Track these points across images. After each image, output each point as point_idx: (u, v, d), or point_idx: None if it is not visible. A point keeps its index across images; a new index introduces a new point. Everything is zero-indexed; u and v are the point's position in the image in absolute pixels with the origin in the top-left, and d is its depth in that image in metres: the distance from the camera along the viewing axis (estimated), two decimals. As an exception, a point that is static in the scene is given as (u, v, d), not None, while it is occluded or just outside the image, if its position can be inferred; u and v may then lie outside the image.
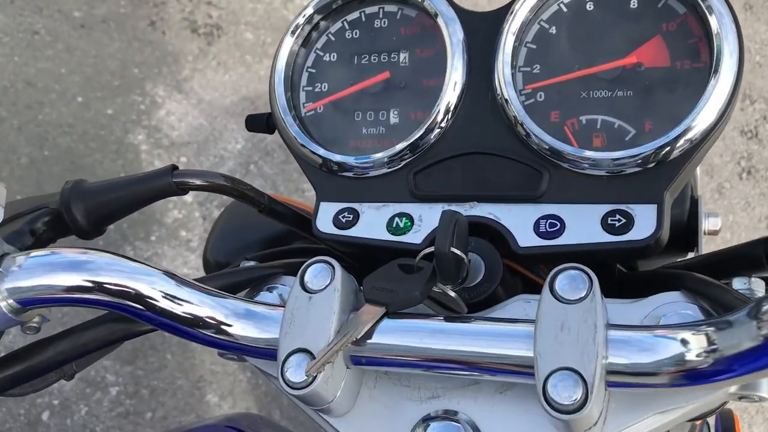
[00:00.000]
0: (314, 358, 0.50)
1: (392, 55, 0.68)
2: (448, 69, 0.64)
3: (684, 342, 0.43)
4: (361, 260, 0.70)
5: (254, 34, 2.88)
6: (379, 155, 0.64)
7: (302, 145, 0.67)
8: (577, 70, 0.61)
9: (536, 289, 0.66)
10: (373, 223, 0.63)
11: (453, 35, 0.64)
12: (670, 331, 0.44)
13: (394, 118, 0.67)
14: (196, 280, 0.55)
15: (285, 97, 0.69)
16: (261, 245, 0.89)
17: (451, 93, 0.63)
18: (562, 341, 0.45)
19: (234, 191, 0.63)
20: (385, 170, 0.65)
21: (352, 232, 0.63)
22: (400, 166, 0.64)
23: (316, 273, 0.53)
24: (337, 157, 0.65)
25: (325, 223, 0.64)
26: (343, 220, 0.64)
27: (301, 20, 0.70)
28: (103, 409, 2.07)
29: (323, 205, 0.65)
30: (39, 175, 2.43)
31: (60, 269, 0.51)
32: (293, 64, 0.70)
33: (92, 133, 2.54)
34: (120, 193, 0.59)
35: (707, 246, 0.73)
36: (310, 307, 0.51)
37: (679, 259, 0.77)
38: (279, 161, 2.57)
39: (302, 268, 0.53)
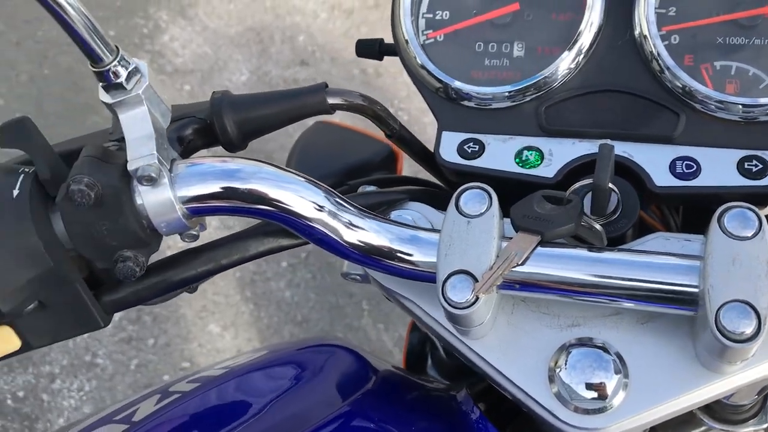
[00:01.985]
0: (476, 280, 0.51)
1: (519, -13, 0.67)
2: (587, 8, 0.64)
3: None
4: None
5: (261, -38, 2.80)
6: (503, 88, 0.64)
7: (422, 66, 0.66)
8: (715, 15, 0.61)
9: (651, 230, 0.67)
10: (500, 154, 0.63)
11: (593, -29, 0.64)
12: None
13: (518, 51, 0.67)
14: (344, 197, 0.55)
15: (410, 20, 0.68)
16: (342, 175, 0.89)
17: (587, 33, 0.63)
18: (734, 275, 0.47)
19: (372, 113, 0.63)
20: (508, 103, 0.65)
21: (479, 162, 0.63)
22: (525, 100, 0.64)
23: (472, 198, 0.53)
24: (456, 83, 0.65)
25: (449, 152, 0.65)
26: (469, 150, 0.64)
27: None
28: (105, 333, 2.06)
29: (446, 135, 0.65)
30: (39, 93, 2.36)
31: (230, 178, 0.50)
32: (414, -12, 0.69)
33: (94, 53, 2.47)
34: (272, 107, 0.58)
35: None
36: (468, 230, 0.52)
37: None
38: (283, 96, 2.54)
39: (457, 193, 0.54)
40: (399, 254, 0.54)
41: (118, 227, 0.49)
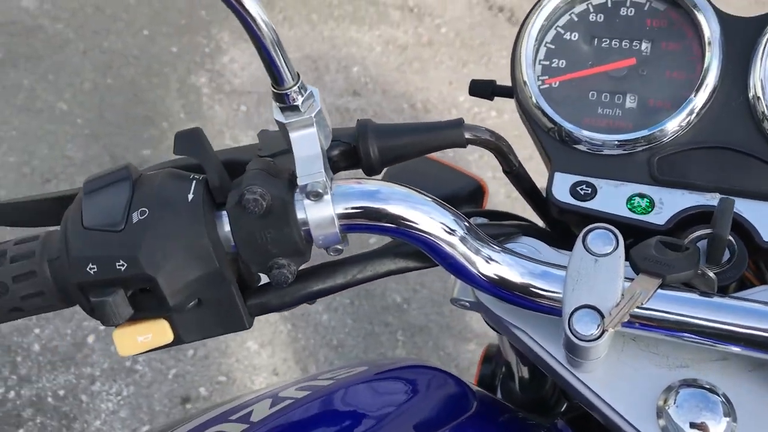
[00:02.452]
0: (601, 315, 0.54)
1: (634, 43, 0.71)
2: (704, 70, 0.67)
3: None
4: (564, 231, 0.74)
5: (322, -7, 2.88)
6: (615, 137, 0.68)
7: (537, 107, 0.70)
8: None
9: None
10: (611, 198, 0.67)
11: (713, 36, 0.68)
12: None
13: (630, 103, 0.70)
14: (479, 229, 0.59)
15: (529, 66, 0.72)
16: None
17: (702, 94, 0.67)
18: None
19: (497, 148, 0.67)
20: (619, 151, 0.69)
21: (592, 204, 0.67)
22: (636, 150, 0.68)
23: (599, 238, 0.57)
24: (569, 126, 0.69)
25: (561, 192, 0.68)
26: (581, 192, 0.67)
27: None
28: (146, 341, 2.10)
29: (558, 176, 0.69)
30: (101, 102, 2.43)
31: (383, 200, 0.54)
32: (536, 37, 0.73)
33: (156, 68, 2.55)
34: (412, 137, 0.63)
35: None
36: (596, 268, 0.56)
37: None
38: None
39: (584, 232, 0.57)
40: (529, 287, 0.57)
41: (281, 236, 0.52)
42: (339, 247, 0.56)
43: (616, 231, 0.57)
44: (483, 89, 0.77)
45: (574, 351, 0.56)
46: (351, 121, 2.61)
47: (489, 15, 2.97)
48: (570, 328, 0.54)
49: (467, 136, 0.64)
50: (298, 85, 0.53)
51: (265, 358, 2.15)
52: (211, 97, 2.53)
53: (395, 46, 2.80)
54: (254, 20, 0.49)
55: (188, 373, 2.09)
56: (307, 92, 0.53)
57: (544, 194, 0.73)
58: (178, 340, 0.56)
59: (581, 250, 0.57)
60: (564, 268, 0.57)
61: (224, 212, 0.54)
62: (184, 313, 0.54)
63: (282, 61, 0.51)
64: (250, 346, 2.16)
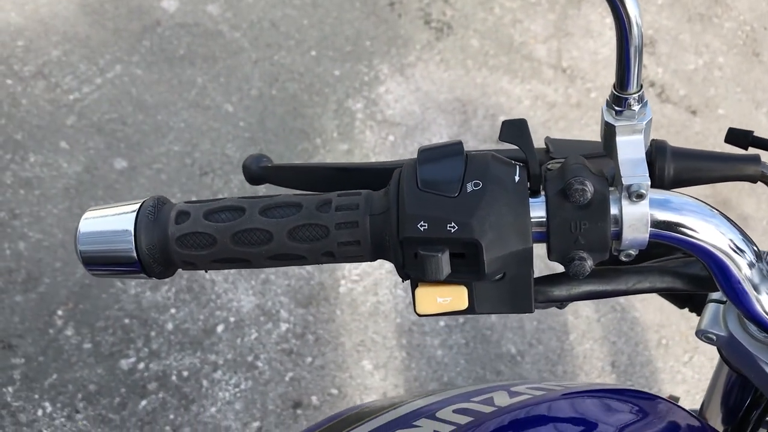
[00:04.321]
0: None
1: None
2: None
3: None
4: None
5: (480, 42, 2.97)
6: None
7: None
8: None
9: None
10: None
11: None
12: None
13: None
14: None
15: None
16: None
17: None
18: None
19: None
20: None
21: None
22: None
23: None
24: None
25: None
26: None
27: None
28: (270, 340, 2.17)
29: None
30: (264, 110, 2.57)
31: (698, 215, 0.57)
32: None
33: (317, 87, 2.68)
34: (709, 164, 0.66)
35: None
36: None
37: None
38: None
39: None
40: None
41: (595, 229, 0.56)
42: (632, 252, 0.59)
43: None
44: (740, 138, 0.80)
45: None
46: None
47: (639, 88, 2.98)
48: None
49: (761, 171, 0.66)
50: (639, 93, 0.57)
51: (377, 379, 2.19)
52: (364, 122, 2.64)
53: (544, 102, 2.85)
54: (629, 20, 0.53)
55: (303, 379, 2.14)
56: (644, 101, 0.58)
57: None
58: (470, 309, 0.60)
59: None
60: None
61: (538, 198, 0.58)
62: (484, 285, 0.58)
63: (637, 67, 0.55)
64: (365, 365, 2.20)
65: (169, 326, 2.17)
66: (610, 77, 2.96)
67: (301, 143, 2.52)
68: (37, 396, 2.05)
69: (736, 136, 0.81)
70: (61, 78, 2.62)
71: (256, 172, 0.73)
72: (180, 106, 2.55)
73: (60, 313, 2.18)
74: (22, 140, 2.49)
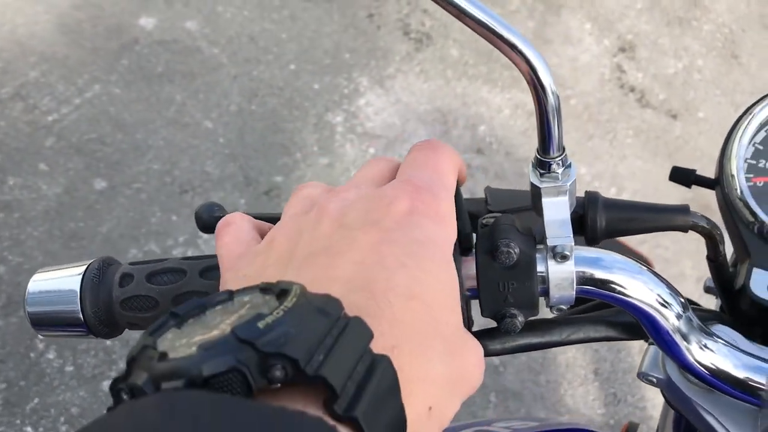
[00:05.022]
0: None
1: None
2: None
3: None
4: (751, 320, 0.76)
5: (459, 52, 2.98)
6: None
7: (741, 199, 0.73)
8: None
9: None
10: (811, 301, 0.68)
11: None
12: None
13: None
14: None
15: (739, 161, 0.75)
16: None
17: None
18: None
19: (710, 235, 0.70)
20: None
21: None
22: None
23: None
24: None
25: (761, 288, 0.70)
26: None
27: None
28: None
29: (757, 271, 0.71)
30: (243, 125, 2.58)
31: (620, 270, 0.58)
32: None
33: (297, 101, 2.68)
34: (639, 214, 0.67)
35: None
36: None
37: None
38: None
39: None
40: (740, 379, 0.59)
41: (521, 289, 0.57)
42: (563, 307, 0.60)
43: None
44: (683, 176, 0.81)
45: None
46: (471, 177, 2.67)
47: (619, 93, 2.99)
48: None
49: (691, 222, 0.67)
50: (561, 157, 0.57)
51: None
52: (344, 135, 2.64)
53: (524, 110, 2.86)
54: (543, 87, 0.54)
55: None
56: (567, 164, 0.58)
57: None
58: None
59: (795, 347, 0.59)
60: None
61: (468, 257, 0.59)
62: None
63: (557, 131, 0.56)
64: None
65: (151, 347, 2.17)
66: (590, 84, 2.97)
67: (281, 158, 2.53)
68: (18, 421, 2.05)
69: (679, 175, 0.81)
70: (40, 99, 2.62)
71: (208, 221, 0.74)
72: (159, 124, 2.55)
73: (41, 336, 2.18)
74: (0, 163, 2.49)
